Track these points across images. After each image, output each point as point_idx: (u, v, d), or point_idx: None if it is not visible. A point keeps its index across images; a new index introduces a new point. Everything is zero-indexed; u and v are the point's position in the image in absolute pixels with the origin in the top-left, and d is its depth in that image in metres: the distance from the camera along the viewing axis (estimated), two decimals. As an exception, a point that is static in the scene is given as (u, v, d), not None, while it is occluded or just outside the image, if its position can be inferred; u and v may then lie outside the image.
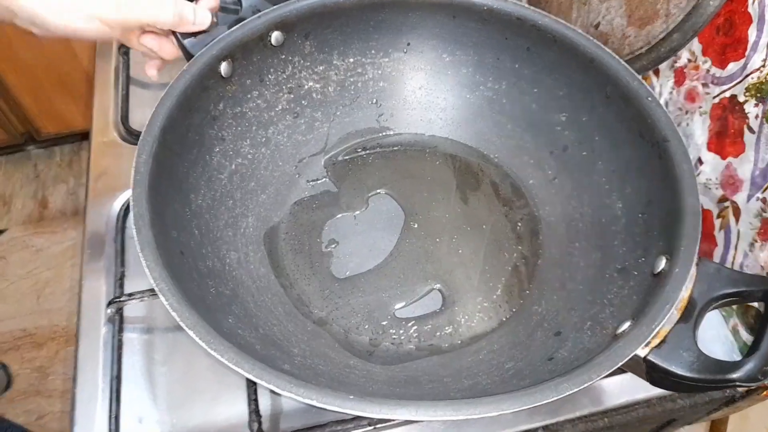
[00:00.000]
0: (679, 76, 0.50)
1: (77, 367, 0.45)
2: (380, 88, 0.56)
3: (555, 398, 0.31)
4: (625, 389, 0.44)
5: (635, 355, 0.33)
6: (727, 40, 0.45)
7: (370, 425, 0.41)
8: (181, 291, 0.34)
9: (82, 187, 1.42)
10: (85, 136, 1.41)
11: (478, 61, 0.54)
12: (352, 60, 0.54)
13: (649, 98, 0.44)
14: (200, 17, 0.44)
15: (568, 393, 0.31)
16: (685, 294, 0.36)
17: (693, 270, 0.36)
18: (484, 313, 0.47)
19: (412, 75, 0.56)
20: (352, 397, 0.31)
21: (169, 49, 0.47)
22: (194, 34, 0.45)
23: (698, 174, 0.49)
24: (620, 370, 0.34)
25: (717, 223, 0.48)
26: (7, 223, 1.36)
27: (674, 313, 0.35)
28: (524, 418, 0.43)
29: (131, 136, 0.58)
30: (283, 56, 0.51)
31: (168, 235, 0.39)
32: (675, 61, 0.51)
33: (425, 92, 0.56)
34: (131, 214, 0.37)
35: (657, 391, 0.43)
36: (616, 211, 0.46)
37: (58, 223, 1.36)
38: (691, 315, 0.35)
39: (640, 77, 0.45)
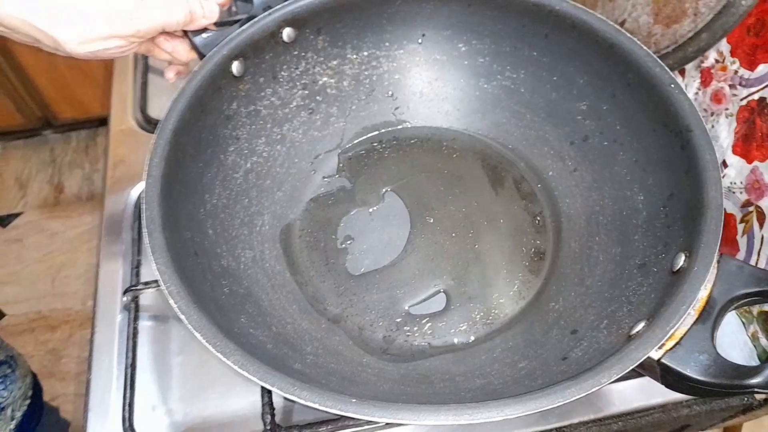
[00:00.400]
0: (706, 77, 0.48)
1: (92, 354, 0.46)
2: (395, 81, 0.55)
3: (560, 403, 0.30)
4: (641, 393, 0.43)
5: (648, 358, 0.32)
6: (757, 41, 0.43)
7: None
8: (192, 293, 0.35)
9: (98, 173, 1.45)
10: (102, 122, 1.41)
11: (495, 50, 0.53)
12: (366, 53, 0.54)
13: (672, 85, 0.42)
14: (209, 10, 0.45)
15: (574, 398, 0.30)
16: (704, 293, 0.34)
17: (713, 268, 0.34)
18: (500, 309, 0.46)
19: (427, 66, 0.55)
20: (354, 400, 0.31)
21: (182, 50, 0.47)
22: (204, 32, 0.45)
23: (722, 177, 0.47)
24: (636, 373, 0.33)
25: (740, 228, 0.46)
26: (24, 207, 1.39)
27: (691, 314, 0.33)
28: (537, 419, 0.42)
29: (149, 124, 0.59)
30: (296, 52, 0.50)
31: (181, 237, 0.40)
32: (702, 62, 0.49)
33: (442, 83, 0.55)
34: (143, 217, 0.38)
35: (673, 396, 0.42)
36: (638, 204, 0.44)
37: (73, 207, 1.38)
38: (710, 315, 0.34)
39: (662, 63, 0.43)
